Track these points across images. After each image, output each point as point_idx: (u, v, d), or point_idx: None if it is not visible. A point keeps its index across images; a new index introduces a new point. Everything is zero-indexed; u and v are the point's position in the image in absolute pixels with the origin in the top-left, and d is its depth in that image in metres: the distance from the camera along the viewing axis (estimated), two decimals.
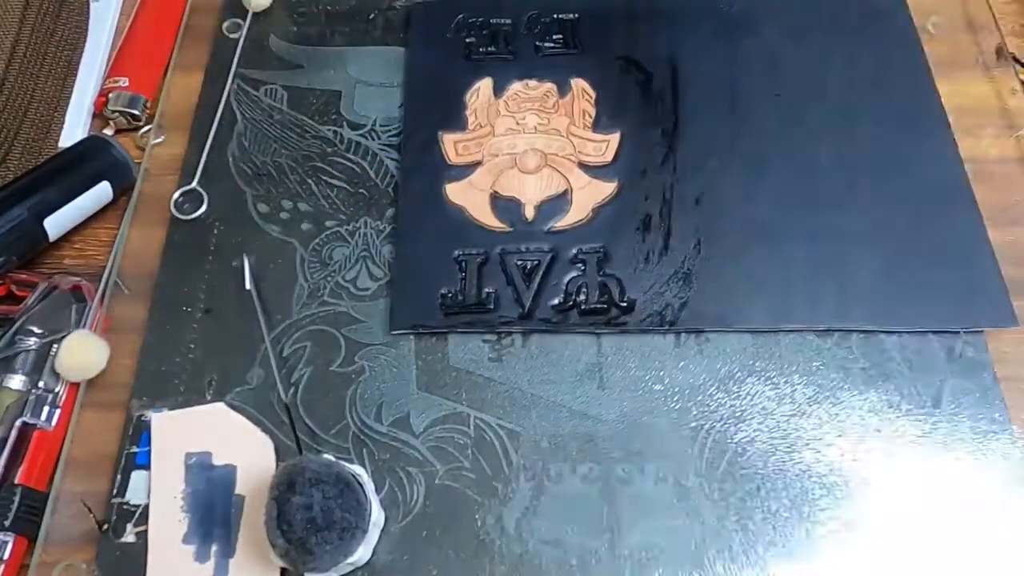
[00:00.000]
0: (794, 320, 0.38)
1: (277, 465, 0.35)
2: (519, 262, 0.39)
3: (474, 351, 0.38)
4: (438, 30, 0.47)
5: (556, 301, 0.39)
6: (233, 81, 0.46)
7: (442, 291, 0.39)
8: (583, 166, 0.42)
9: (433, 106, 0.44)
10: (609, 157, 0.43)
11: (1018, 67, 0.46)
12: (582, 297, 0.39)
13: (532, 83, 0.45)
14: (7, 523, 0.34)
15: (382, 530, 0.34)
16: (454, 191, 0.41)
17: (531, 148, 0.43)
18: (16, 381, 0.37)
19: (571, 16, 0.47)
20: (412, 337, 0.39)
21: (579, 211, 0.41)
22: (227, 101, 0.46)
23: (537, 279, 0.39)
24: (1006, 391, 0.37)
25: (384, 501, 0.35)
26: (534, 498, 0.35)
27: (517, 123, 0.43)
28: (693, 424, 0.37)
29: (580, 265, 0.39)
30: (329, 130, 0.45)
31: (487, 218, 0.41)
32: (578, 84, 0.45)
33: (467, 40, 0.46)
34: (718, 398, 0.37)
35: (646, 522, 0.35)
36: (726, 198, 0.41)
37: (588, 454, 0.36)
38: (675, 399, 0.37)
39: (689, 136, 0.43)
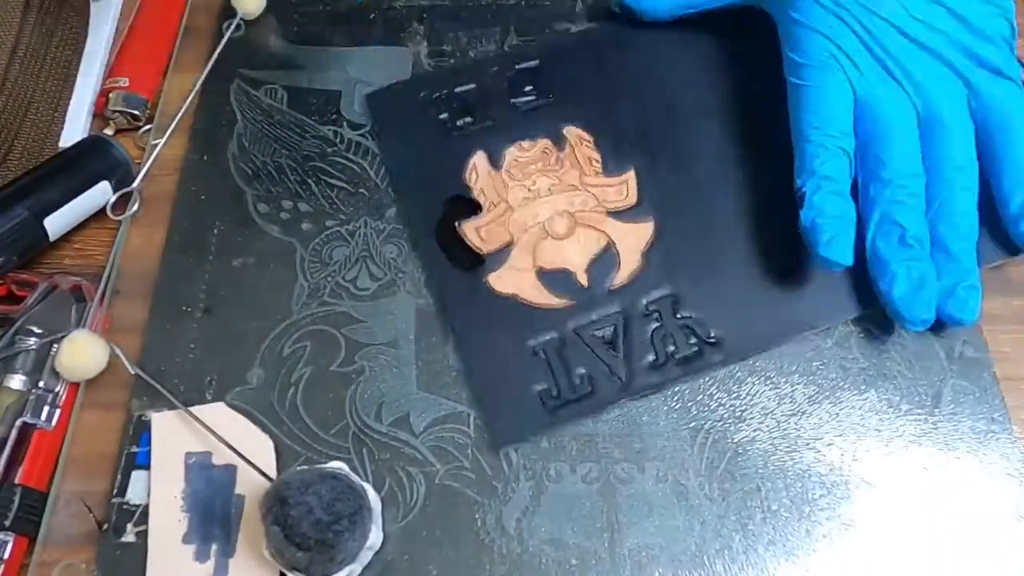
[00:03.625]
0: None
1: (278, 465, 0.35)
2: (596, 333, 0.38)
3: None
4: (405, 116, 0.43)
5: (650, 359, 0.37)
6: (233, 81, 0.46)
7: (538, 388, 0.36)
8: (613, 214, 0.41)
9: (435, 197, 0.41)
10: (633, 198, 0.41)
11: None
12: (671, 348, 0.37)
13: (525, 144, 0.43)
14: (7, 523, 0.34)
15: (382, 529, 0.34)
16: (498, 281, 0.39)
17: (555, 212, 0.41)
18: (16, 381, 0.37)
19: (533, 63, 0.45)
20: (412, 337, 0.39)
21: (630, 262, 0.39)
22: (227, 101, 0.46)
23: (621, 345, 0.37)
24: (1006, 391, 0.37)
25: (384, 501, 0.35)
26: (534, 498, 0.35)
27: (529, 190, 0.41)
28: (693, 424, 0.37)
29: (656, 316, 0.38)
30: (329, 130, 0.45)
31: (544, 298, 0.38)
32: (571, 132, 0.43)
33: (440, 117, 0.43)
34: (718, 398, 0.37)
35: (646, 522, 0.35)
36: (765, 207, 0.40)
37: (588, 454, 0.36)
38: (675, 399, 0.37)
39: (698, 155, 0.42)
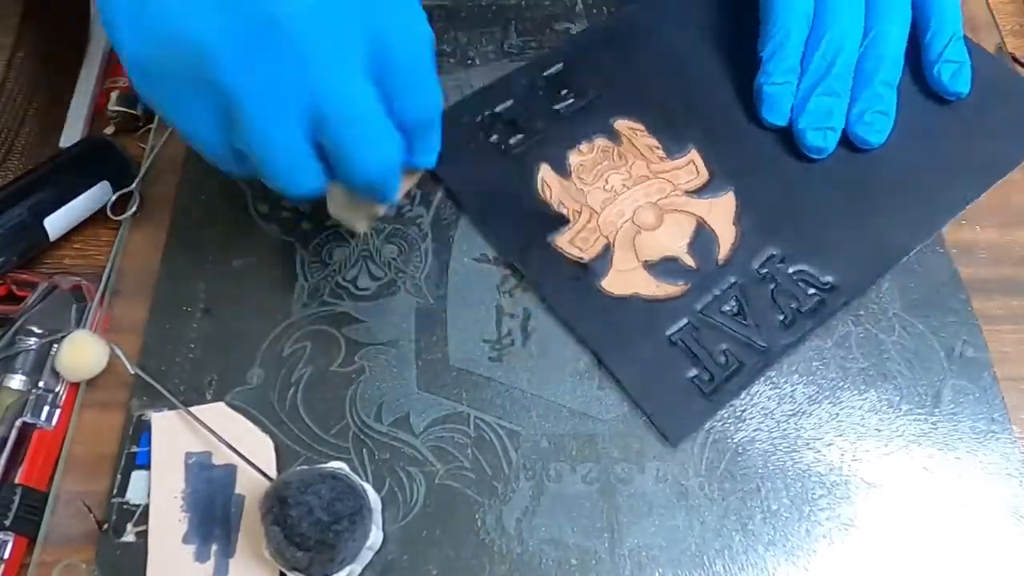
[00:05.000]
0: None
1: (278, 465, 0.35)
2: (723, 309, 0.38)
3: (474, 351, 0.38)
4: (456, 146, 0.42)
5: (779, 318, 0.38)
6: None
7: (689, 376, 0.37)
8: (692, 194, 0.41)
9: (517, 221, 0.41)
10: (705, 174, 0.42)
11: (1018, 67, 0.46)
12: (794, 304, 0.38)
13: (584, 147, 0.43)
14: (7, 523, 0.34)
15: (382, 529, 0.34)
16: (612, 285, 0.39)
17: (638, 206, 0.41)
18: (16, 381, 0.37)
19: (558, 67, 0.46)
20: (412, 337, 0.39)
21: (727, 234, 0.40)
22: None
23: (750, 314, 0.38)
24: (1006, 391, 0.37)
25: (384, 501, 0.35)
26: (534, 498, 0.35)
27: (605, 190, 0.41)
28: None
29: (770, 277, 0.39)
30: None
31: (661, 290, 0.39)
32: (623, 125, 0.44)
33: (490, 140, 0.43)
34: None
35: (646, 522, 0.35)
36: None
37: (588, 454, 0.36)
38: None
39: (749, 116, 0.44)
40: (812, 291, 0.39)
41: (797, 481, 0.35)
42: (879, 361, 0.38)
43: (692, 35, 0.46)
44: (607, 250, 0.40)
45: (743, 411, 0.37)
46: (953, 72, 0.42)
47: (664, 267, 0.40)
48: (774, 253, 0.40)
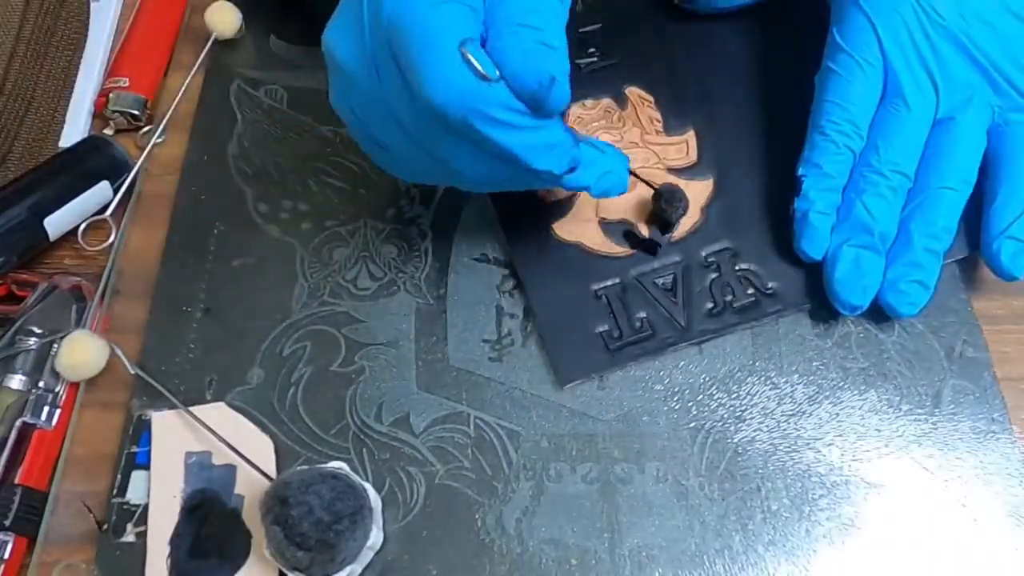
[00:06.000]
0: None
1: (278, 465, 0.35)
2: (657, 281, 0.39)
3: (474, 351, 0.38)
4: None
5: (708, 306, 0.38)
6: (233, 81, 0.46)
7: (599, 330, 0.38)
8: (673, 171, 0.42)
9: None
10: (694, 156, 0.42)
11: None
12: (729, 297, 0.39)
13: (588, 103, 0.44)
14: (7, 523, 0.34)
15: (382, 529, 0.34)
16: (563, 229, 0.40)
17: None
18: (16, 381, 0.37)
19: (595, 27, 0.47)
20: (412, 337, 0.39)
21: (690, 216, 0.40)
22: (227, 101, 0.46)
23: (680, 292, 0.39)
24: (1006, 391, 0.37)
25: (384, 501, 0.35)
26: (534, 498, 0.35)
27: None
28: (693, 424, 0.37)
29: (715, 267, 0.39)
30: (329, 130, 0.45)
31: (607, 247, 0.40)
32: (633, 93, 0.44)
33: None
34: (718, 398, 0.37)
35: (646, 522, 0.35)
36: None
37: (588, 454, 0.36)
38: (675, 399, 0.37)
39: (756, 119, 0.44)
40: (751, 291, 0.39)
41: (797, 481, 0.35)
42: (879, 361, 0.38)
43: (730, 29, 0.47)
44: (573, 198, 0.41)
45: (743, 411, 0.37)
46: (1015, 252, 0.36)
47: (617, 228, 0.40)
48: (729, 247, 0.40)
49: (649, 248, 0.40)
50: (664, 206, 0.38)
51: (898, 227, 0.38)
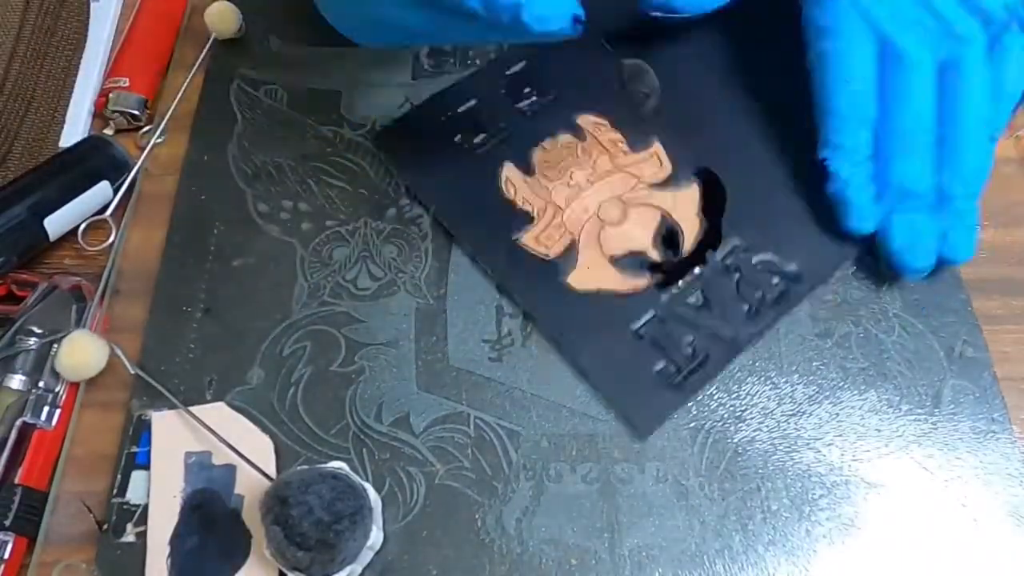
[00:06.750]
0: None
1: (278, 465, 0.35)
2: (688, 301, 0.38)
3: (474, 351, 0.38)
4: (419, 149, 0.43)
5: (744, 309, 0.38)
6: (233, 81, 0.46)
7: (656, 369, 0.37)
8: (657, 187, 0.42)
9: (484, 220, 0.41)
10: (668, 166, 0.42)
11: None
12: (759, 294, 0.38)
13: (547, 144, 0.43)
14: (7, 523, 0.34)
15: (382, 529, 0.34)
16: (577, 282, 0.39)
17: (602, 201, 0.41)
18: (16, 381, 0.37)
19: (520, 64, 0.46)
20: (412, 337, 0.39)
21: (691, 225, 0.40)
22: (227, 101, 0.46)
23: (715, 305, 0.38)
24: (1006, 391, 0.37)
25: (384, 501, 0.35)
26: (534, 498, 0.35)
27: (569, 186, 0.42)
28: (693, 424, 0.37)
29: (735, 268, 0.39)
30: (329, 130, 0.45)
31: (628, 284, 0.39)
32: (586, 120, 0.44)
33: (454, 140, 0.43)
34: (718, 398, 0.37)
35: (646, 522, 0.35)
36: (791, 138, 0.42)
37: (588, 454, 0.36)
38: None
39: (713, 109, 0.44)
40: (776, 280, 0.39)
41: (797, 481, 0.35)
42: (879, 361, 0.38)
43: (656, 29, 0.45)
44: (572, 246, 0.40)
45: (743, 411, 0.37)
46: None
47: (630, 261, 0.40)
48: (738, 243, 0.40)
49: (667, 268, 0.39)
50: (632, 84, 0.36)
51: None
